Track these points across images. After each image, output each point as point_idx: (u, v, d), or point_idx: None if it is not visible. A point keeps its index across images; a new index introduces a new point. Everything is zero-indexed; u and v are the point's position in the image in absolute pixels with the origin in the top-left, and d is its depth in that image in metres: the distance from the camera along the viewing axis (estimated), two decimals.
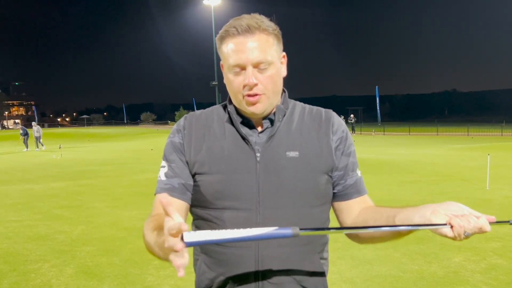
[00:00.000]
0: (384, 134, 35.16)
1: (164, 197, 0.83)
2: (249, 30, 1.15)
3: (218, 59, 1.27)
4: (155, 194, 1.26)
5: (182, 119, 1.32)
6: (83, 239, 5.39)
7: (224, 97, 1.33)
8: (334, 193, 1.30)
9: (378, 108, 54.34)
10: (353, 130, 36.78)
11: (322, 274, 1.27)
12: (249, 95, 1.17)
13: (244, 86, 1.16)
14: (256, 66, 1.16)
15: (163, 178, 1.26)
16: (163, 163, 1.29)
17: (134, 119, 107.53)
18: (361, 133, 36.96)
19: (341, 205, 1.30)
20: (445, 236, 0.97)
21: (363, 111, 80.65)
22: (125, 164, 14.28)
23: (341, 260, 4.37)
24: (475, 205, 6.82)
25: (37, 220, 6.44)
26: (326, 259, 1.30)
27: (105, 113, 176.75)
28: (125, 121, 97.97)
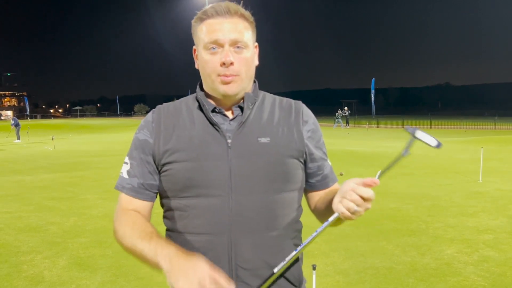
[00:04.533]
0: (378, 127, 35.27)
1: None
2: (228, 12, 1.18)
3: None
4: (115, 188, 1.28)
5: (150, 113, 1.32)
6: (76, 230, 5.36)
7: None
8: (313, 183, 1.34)
9: (373, 100, 54.09)
10: (347, 123, 36.85)
11: (295, 260, 1.26)
12: (224, 75, 1.18)
13: (221, 65, 1.17)
14: (233, 44, 1.18)
15: (125, 175, 1.28)
16: (126, 159, 1.30)
17: (127, 110, 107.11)
18: (354, 126, 37.07)
19: (321, 193, 1.35)
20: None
21: (357, 104, 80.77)
22: (117, 156, 14.18)
23: (335, 252, 4.38)
24: (467, 197, 6.89)
25: (28, 211, 6.39)
26: (299, 246, 1.29)
27: (98, 105, 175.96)
28: (118, 113, 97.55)
